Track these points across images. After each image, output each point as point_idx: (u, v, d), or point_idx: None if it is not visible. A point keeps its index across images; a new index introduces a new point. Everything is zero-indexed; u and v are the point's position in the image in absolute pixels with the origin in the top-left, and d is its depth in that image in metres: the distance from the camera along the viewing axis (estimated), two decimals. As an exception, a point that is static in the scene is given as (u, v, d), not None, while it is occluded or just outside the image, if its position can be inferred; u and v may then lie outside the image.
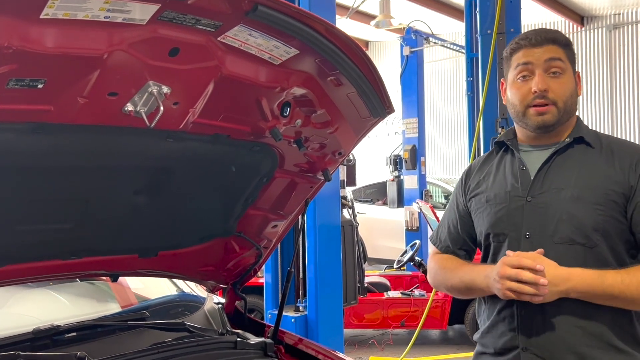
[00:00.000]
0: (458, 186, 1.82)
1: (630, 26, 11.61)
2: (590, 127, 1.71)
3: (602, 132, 1.77)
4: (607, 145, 1.61)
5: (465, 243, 1.77)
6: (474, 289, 1.65)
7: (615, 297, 1.48)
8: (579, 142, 1.62)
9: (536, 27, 1.70)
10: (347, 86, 1.70)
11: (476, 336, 1.74)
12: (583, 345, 1.52)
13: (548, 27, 1.72)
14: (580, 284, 1.47)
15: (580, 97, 1.67)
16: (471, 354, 1.80)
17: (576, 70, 1.65)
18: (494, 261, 1.64)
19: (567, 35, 1.71)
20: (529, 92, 1.58)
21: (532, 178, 1.62)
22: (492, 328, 1.64)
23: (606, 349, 1.52)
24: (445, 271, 1.75)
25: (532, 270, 1.44)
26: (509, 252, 1.52)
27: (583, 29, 11.94)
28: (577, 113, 1.70)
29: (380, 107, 1.83)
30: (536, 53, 1.59)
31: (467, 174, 1.80)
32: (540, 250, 1.50)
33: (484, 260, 1.71)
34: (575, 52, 1.67)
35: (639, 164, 1.55)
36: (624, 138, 1.72)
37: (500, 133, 4.67)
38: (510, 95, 1.64)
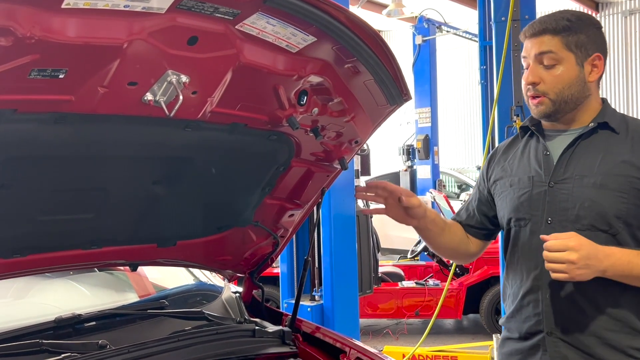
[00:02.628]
0: (483, 167, 1.86)
1: (646, 12, 11.45)
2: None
3: None
4: (633, 130, 1.59)
5: (478, 221, 1.82)
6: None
7: None
8: (603, 128, 1.61)
9: (551, 12, 1.69)
10: (364, 74, 1.70)
11: (502, 320, 1.76)
12: (608, 330, 1.52)
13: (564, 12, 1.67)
14: (620, 261, 1.47)
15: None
16: (486, 343, 1.82)
17: (594, 52, 1.59)
18: (515, 245, 1.67)
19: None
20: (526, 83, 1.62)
21: (554, 163, 1.61)
22: (517, 312, 1.66)
23: (631, 333, 1.52)
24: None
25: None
26: (543, 237, 1.50)
27: (598, 15, 11.80)
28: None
29: (398, 94, 1.82)
30: (529, 46, 1.60)
31: (492, 157, 1.82)
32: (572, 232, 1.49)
33: (505, 244, 1.73)
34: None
35: None
36: None
37: (514, 121, 4.64)
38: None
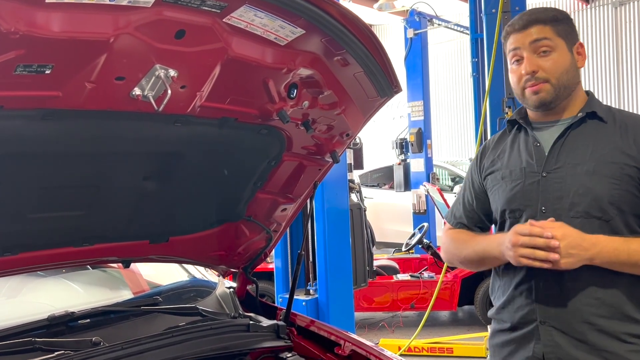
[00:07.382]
0: (473, 164, 1.85)
1: (636, 2, 11.47)
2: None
3: None
4: (620, 120, 1.63)
5: (480, 220, 1.81)
6: (487, 258, 1.67)
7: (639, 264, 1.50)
8: (591, 117, 1.64)
9: (541, 6, 1.72)
10: (354, 66, 1.69)
11: (491, 312, 1.75)
12: (600, 316, 1.54)
13: (550, 6, 1.73)
14: (606, 248, 1.49)
15: (588, 74, 1.69)
16: (481, 334, 1.82)
17: (577, 41, 1.67)
18: None
19: (573, 14, 1.73)
20: (522, 75, 1.63)
21: (546, 154, 1.64)
22: (509, 303, 1.66)
23: (623, 319, 1.53)
24: (458, 243, 1.78)
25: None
26: (530, 222, 1.53)
27: (588, 6, 11.79)
28: (584, 89, 1.71)
29: (388, 86, 1.82)
30: (521, 37, 1.63)
31: (482, 152, 1.83)
32: (552, 219, 1.52)
33: None
34: (581, 29, 1.69)
35: None
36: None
37: (506, 113, 4.65)
38: (510, 79, 1.69)
